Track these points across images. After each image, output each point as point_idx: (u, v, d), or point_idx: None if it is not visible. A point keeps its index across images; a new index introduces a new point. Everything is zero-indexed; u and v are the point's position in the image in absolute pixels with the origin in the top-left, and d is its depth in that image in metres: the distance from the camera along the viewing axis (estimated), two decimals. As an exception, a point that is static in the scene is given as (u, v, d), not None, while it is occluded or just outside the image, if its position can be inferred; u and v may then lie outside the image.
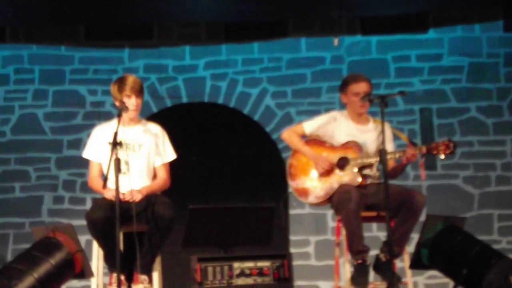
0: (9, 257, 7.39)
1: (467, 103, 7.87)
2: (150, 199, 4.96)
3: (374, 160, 5.21)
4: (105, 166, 4.70)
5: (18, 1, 6.88)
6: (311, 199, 5.35)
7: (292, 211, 7.73)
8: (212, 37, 7.94)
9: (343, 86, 5.41)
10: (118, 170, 4.63)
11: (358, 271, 5.04)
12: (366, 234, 5.12)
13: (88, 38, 7.89)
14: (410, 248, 5.37)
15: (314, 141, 5.43)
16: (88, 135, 5.35)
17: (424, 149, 5.12)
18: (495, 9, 7.72)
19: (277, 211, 5.25)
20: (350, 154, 5.28)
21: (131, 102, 5.01)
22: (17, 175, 7.73)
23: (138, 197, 4.90)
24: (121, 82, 5.10)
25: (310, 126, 5.45)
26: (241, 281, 4.92)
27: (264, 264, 4.97)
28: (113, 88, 5.11)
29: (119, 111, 4.88)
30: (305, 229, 7.74)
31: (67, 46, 7.88)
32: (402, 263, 5.32)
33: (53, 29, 7.84)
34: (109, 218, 4.69)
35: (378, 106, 4.92)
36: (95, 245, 5.02)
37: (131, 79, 5.10)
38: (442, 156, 5.13)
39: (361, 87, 5.32)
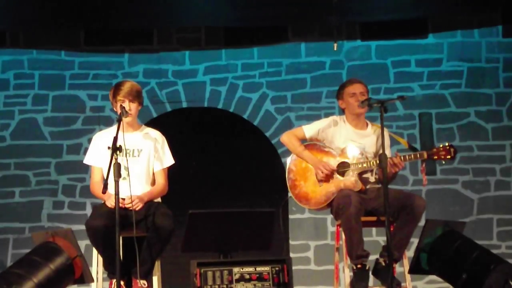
0: (9, 262, 7.39)
1: (466, 108, 7.88)
2: (150, 208, 4.97)
3: (374, 165, 5.21)
4: (106, 171, 4.70)
5: (18, 7, 6.90)
6: (311, 204, 5.35)
7: (291, 216, 7.73)
8: (212, 42, 7.96)
9: (339, 92, 5.45)
10: (118, 175, 4.63)
11: (358, 276, 5.04)
12: (365, 238, 5.12)
13: (88, 43, 7.91)
14: (409, 252, 5.38)
15: (313, 145, 5.44)
16: (88, 140, 5.37)
17: (425, 155, 5.12)
18: (494, 15, 7.75)
19: (276, 216, 5.24)
20: (350, 159, 5.28)
21: (125, 107, 5.03)
22: (17, 180, 7.73)
23: (139, 206, 4.92)
24: (117, 87, 5.13)
25: (310, 130, 5.44)
26: (240, 285, 4.92)
27: (264, 268, 4.97)
28: (110, 93, 5.16)
29: (119, 116, 4.90)
30: (304, 234, 7.74)
31: (67, 51, 7.90)
32: (402, 268, 5.32)
33: (53, 34, 7.86)
34: (109, 226, 4.70)
35: (378, 111, 4.92)
36: (95, 250, 5.02)
37: (127, 85, 5.12)
38: (443, 162, 5.14)
39: (356, 87, 5.36)
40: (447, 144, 5.12)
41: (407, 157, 5.16)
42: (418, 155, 5.12)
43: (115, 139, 4.72)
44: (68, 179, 7.75)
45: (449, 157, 5.09)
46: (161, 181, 5.18)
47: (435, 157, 5.11)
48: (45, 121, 7.84)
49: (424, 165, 5.33)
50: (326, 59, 7.95)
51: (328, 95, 7.79)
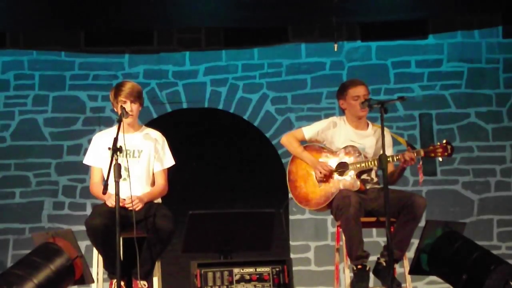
0: (9, 263, 7.39)
1: (466, 109, 7.89)
2: (150, 209, 4.97)
3: (373, 165, 5.21)
4: (106, 172, 4.70)
5: (18, 7, 6.89)
6: (311, 205, 5.35)
7: (292, 217, 7.73)
8: (212, 43, 7.97)
9: (342, 91, 5.42)
10: (118, 175, 4.63)
11: (358, 277, 5.04)
12: (366, 239, 5.12)
13: (88, 43, 7.91)
14: (409, 253, 5.38)
15: (313, 146, 5.44)
16: (88, 141, 5.36)
17: (422, 152, 5.12)
18: (494, 15, 7.75)
19: (277, 217, 5.24)
20: (349, 159, 5.28)
21: (126, 107, 5.03)
22: (17, 180, 7.73)
23: (139, 206, 4.92)
24: (117, 88, 5.12)
25: (310, 131, 5.44)
26: (241, 286, 4.92)
27: (264, 269, 4.96)
28: (111, 94, 5.15)
29: (119, 117, 4.89)
30: (305, 235, 7.74)
31: (67, 51, 7.90)
32: (402, 269, 5.32)
33: (53, 35, 7.87)
34: (109, 225, 4.70)
35: (378, 111, 4.92)
36: (95, 251, 5.02)
37: (128, 85, 5.11)
38: (440, 159, 5.14)
39: (359, 90, 5.34)
40: (444, 141, 5.12)
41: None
42: (415, 153, 5.12)
43: (115, 139, 4.71)
44: (68, 180, 7.75)
45: (446, 154, 5.08)
46: (161, 181, 5.18)
47: (432, 154, 5.11)
48: (45, 121, 7.84)
49: (421, 163, 5.33)
50: (326, 59, 7.95)
51: (328, 96, 7.79)
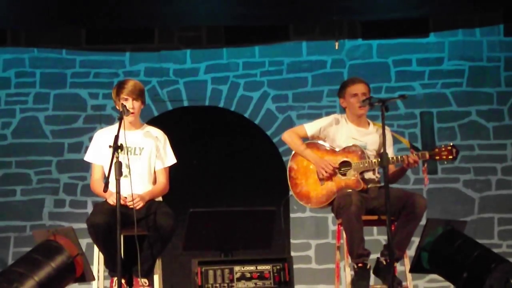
0: (10, 260, 7.40)
1: (467, 107, 7.88)
2: (150, 207, 4.97)
3: (376, 165, 5.20)
4: (107, 170, 4.70)
5: (20, 5, 6.90)
6: (312, 203, 5.34)
7: (293, 215, 7.73)
8: (213, 41, 7.97)
9: (341, 90, 5.42)
10: (119, 173, 4.63)
11: (359, 275, 5.03)
12: (366, 237, 5.11)
13: (89, 41, 7.92)
14: (410, 252, 5.38)
15: (314, 144, 5.42)
16: (89, 139, 5.36)
17: (427, 155, 5.10)
18: (495, 14, 7.75)
19: (277, 215, 5.24)
20: (351, 158, 5.27)
21: (128, 105, 5.03)
22: (18, 178, 7.74)
23: (140, 205, 4.92)
24: (120, 85, 5.13)
25: (312, 128, 5.42)
26: (241, 284, 4.92)
27: (265, 267, 4.97)
28: (113, 92, 5.15)
29: (120, 114, 4.89)
30: (305, 233, 7.74)
31: (68, 49, 7.90)
32: (403, 267, 5.32)
33: (54, 33, 7.87)
34: (110, 223, 4.70)
35: (379, 110, 4.92)
36: (96, 249, 5.02)
37: (130, 83, 5.12)
38: (445, 162, 5.13)
39: (358, 88, 5.33)
40: (449, 144, 5.11)
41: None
42: (420, 155, 5.11)
43: (116, 137, 4.72)
44: (69, 178, 7.75)
45: (451, 157, 5.07)
46: (162, 180, 5.18)
47: (437, 157, 5.10)
48: (46, 119, 7.85)
49: (425, 165, 5.32)
50: (327, 57, 7.95)
51: (329, 94, 7.79)
